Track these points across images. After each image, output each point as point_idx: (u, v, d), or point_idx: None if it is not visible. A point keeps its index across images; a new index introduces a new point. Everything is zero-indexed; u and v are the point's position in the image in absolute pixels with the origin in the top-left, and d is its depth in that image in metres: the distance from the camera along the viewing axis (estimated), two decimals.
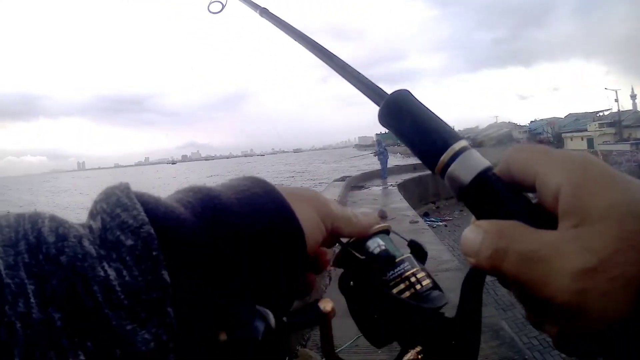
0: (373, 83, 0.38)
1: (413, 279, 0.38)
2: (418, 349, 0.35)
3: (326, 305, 0.32)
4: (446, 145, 0.32)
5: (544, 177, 0.29)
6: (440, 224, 11.00)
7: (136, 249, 0.23)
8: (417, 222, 6.48)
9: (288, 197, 0.33)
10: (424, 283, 0.38)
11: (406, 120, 0.34)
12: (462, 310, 0.33)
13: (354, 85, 0.40)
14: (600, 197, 0.26)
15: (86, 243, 0.22)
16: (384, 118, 0.36)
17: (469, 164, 0.31)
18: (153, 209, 0.25)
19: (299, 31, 0.47)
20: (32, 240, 0.21)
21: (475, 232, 0.30)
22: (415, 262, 0.40)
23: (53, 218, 0.23)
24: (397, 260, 0.39)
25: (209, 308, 0.26)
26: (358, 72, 0.40)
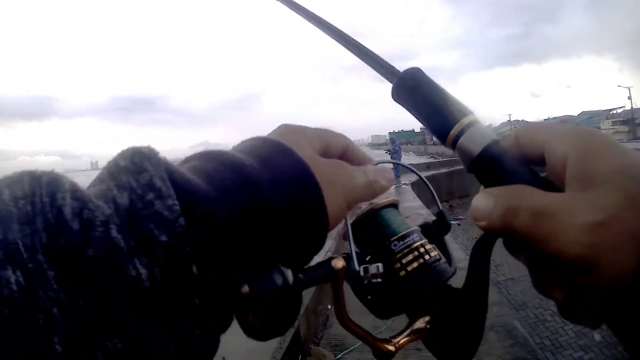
0: (386, 61, 0.39)
1: (422, 250, 0.39)
2: (427, 318, 0.36)
3: (337, 262, 0.32)
4: (456, 119, 0.33)
5: (552, 147, 0.31)
6: (454, 222, 10.93)
7: (170, 246, 0.22)
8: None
9: (316, 171, 0.31)
10: (432, 254, 0.39)
11: (419, 95, 0.36)
12: (470, 280, 0.34)
13: (368, 64, 0.41)
14: (604, 163, 0.28)
15: (114, 233, 0.20)
16: (397, 94, 0.37)
17: (478, 137, 0.33)
18: (182, 187, 0.24)
19: (313, 13, 0.47)
20: (51, 220, 0.20)
21: (486, 197, 0.31)
22: (422, 236, 0.40)
23: (74, 192, 0.21)
24: (404, 233, 0.40)
25: (228, 284, 0.26)
26: (372, 51, 0.41)
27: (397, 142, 14.21)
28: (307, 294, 3.05)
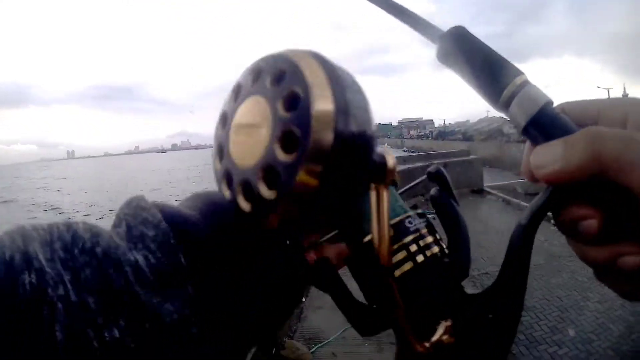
0: (427, 21, 0.38)
1: (414, 246, 0.32)
2: (449, 322, 0.30)
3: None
4: (509, 79, 0.31)
5: (607, 112, 0.30)
6: (430, 216, 11.07)
7: (158, 238, 0.26)
8: None
9: None
10: (431, 251, 0.32)
11: (467, 54, 0.33)
12: (507, 274, 0.30)
13: (409, 25, 0.38)
14: None
15: (117, 239, 0.26)
16: (443, 54, 0.35)
17: (534, 96, 0.31)
18: (164, 211, 0.28)
19: None
20: (68, 239, 0.24)
21: (552, 146, 0.28)
22: (420, 222, 0.34)
23: (84, 222, 0.26)
24: (393, 222, 0.32)
25: (222, 286, 0.28)
26: (412, 11, 0.39)
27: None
28: None
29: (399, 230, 0.33)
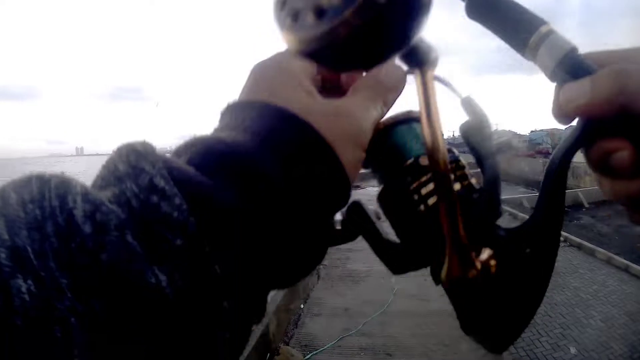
0: None
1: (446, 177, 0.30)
2: (490, 251, 0.29)
3: None
4: (535, 27, 0.33)
5: (632, 54, 0.30)
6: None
7: (187, 248, 0.20)
8: None
9: (320, 124, 0.27)
10: (462, 183, 0.32)
11: (494, 7, 0.35)
12: (540, 209, 0.30)
13: None
14: None
15: (129, 238, 0.19)
16: (471, 9, 0.36)
17: (559, 43, 0.32)
18: (186, 183, 0.22)
19: None
20: (62, 223, 0.19)
21: (582, 81, 0.29)
22: (451, 155, 0.32)
23: (85, 194, 0.20)
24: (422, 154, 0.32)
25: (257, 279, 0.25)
26: None
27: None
28: (280, 292, 3.09)
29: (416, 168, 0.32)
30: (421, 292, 3.46)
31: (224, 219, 0.23)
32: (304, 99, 0.29)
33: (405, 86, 0.33)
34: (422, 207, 0.31)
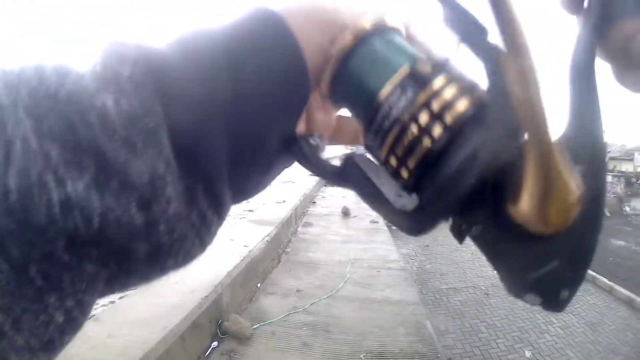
0: None
1: (426, 116, 0.23)
2: None
3: None
4: None
5: None
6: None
7: (135, 77, 0.22)
8: (377, 222, 6.47)
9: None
10: (453, 112, 0.23)
11: None
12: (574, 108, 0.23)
13: None
14: None
15: (87, 80, 0.21)
16: None
17: None
18: (147, 48, 0.24)
19: None
20: (34, 84, 0.20)
21: None
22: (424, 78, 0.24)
23: (57, 63, 0.22)
24: (391, 85, 0.24)
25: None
26: None
27: None
28: (237, 269, 3.19)
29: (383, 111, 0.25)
30: (371, 282, 3.62)
31: (167, 71, 0.23)
32: None
33: None
34: (393, 162, 0.25)
